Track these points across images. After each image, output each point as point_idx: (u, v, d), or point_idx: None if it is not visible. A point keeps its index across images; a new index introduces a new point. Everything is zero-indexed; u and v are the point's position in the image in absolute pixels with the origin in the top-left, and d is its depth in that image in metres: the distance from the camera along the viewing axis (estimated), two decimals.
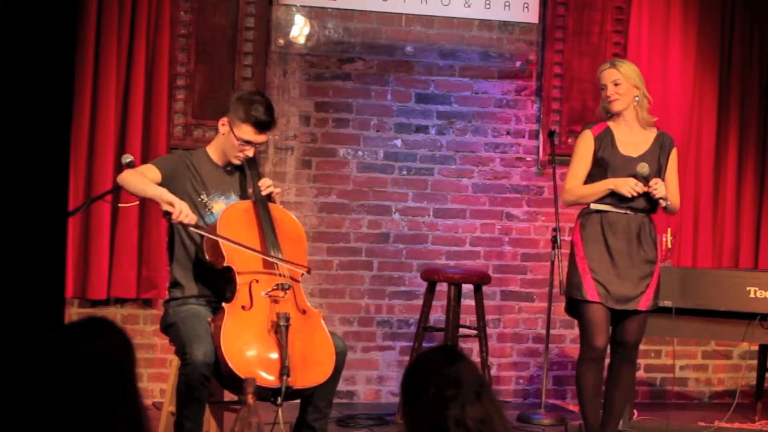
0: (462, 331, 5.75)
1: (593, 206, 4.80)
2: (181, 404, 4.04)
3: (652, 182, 4.73)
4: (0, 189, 2.52)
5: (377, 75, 6.25)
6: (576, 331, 5.62)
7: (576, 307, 4.81)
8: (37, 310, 2.53)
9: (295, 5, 6.09)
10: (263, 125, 4.26)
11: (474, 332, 5.73)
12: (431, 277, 5.72)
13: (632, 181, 4.72)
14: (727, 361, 6.66)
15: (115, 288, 5.78)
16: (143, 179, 4.20)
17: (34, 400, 2.23)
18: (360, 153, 6.23)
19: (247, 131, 4.26)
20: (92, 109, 5.70)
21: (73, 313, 5.71)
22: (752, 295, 5.29)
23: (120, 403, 2.25)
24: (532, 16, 6.36)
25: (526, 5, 6.34)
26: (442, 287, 5.73)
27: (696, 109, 6.52)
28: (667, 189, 4.78)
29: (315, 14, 6.14)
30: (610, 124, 4.86)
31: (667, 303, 5.26)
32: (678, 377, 6.61)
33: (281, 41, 6.10)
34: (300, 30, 6.12)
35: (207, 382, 3.99)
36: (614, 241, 4.75)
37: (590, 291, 4.73)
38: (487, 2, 6.31)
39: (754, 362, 6.17)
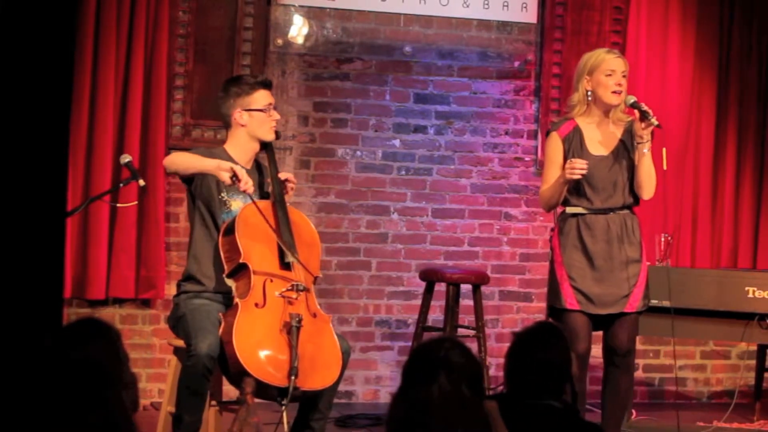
0: (460, 331, 5.75)
1: (569, 210, 4.64)
2: (182, 397, 4.03)
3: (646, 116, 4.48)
4: None
5: (376, 75, 6.24)
6: None
7: (556, 314, 4.66)
8: (36, 310, 2.53)
9: (294, 5, 6.09)
10: (268, 83, 4.49)
11: (472, 332, 5.72)
12: (430, 277, 5.72)
13: (572, 161, 4.51)
14: (726, 361, 6.66)
15: (114, 288, 5.77)
16: (192, 155, 4.33)
17: (22, 399, 2.24)
18: (358, 153, 6.22)
19: (263, 95, 4.42)
20: (91, 109, 5.69)
21: (72, 313, 5.70)
22: (751, 295, 5.29)
23: (98, 406, 2.24)
24: (530, 16, 6.36)
25: (524, 5, 6.34)
26: (441, 287, 5.73)
27: (694, 109, 6.52)
28: (641, 171, 4.59)
29: (313, 14, 6.14)
30: (579, 120, 4.63)
31: (666, 303, 5.26)
32: (677, 377, 6.61)
33: (280, 41, 6.09)
34: (298, 30, 6.12)
35: (209, 375, 3.99)
36: (592, 243, 4.57)
37: (569, 299, 4.57)
38: (486, 2, 6.30)
39: (753, 362, 6.17)
